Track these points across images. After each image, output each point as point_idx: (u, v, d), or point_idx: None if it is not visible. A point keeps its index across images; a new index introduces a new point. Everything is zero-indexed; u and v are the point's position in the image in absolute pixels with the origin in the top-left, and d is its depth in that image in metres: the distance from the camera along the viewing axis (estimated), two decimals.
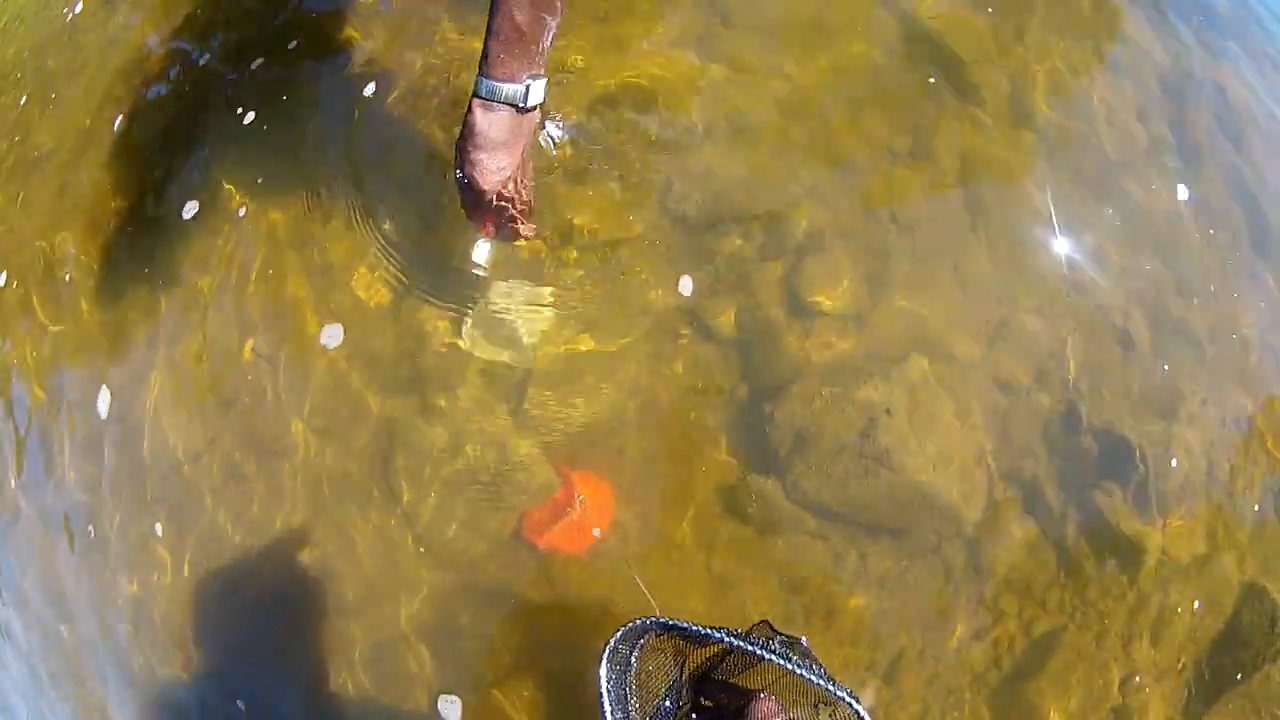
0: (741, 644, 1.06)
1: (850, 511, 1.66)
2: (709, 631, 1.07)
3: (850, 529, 1.67)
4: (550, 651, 1.65)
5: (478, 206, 1.46)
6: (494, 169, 1.38)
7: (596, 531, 1.63)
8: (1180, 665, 1.79)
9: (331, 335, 1.81)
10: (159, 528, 1.88)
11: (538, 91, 1.33)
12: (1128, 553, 1.75)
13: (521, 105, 1.32)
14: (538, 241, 1.75)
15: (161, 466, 1.90)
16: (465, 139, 1.36)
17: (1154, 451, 1.78)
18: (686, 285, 1.74)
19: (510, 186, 1.42)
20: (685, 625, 1.09)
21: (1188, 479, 1.81)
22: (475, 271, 1.76)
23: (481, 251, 1.73)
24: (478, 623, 1.66)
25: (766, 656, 1.05)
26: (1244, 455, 1.89)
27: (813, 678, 1.02)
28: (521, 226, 1.52)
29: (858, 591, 1.66)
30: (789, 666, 1.03)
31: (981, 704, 1.69)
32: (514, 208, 1.46)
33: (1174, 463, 1.79)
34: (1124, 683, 1.74)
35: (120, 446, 1.95)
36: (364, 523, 1.74)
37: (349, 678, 1.72)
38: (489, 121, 1.33)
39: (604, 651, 1.06)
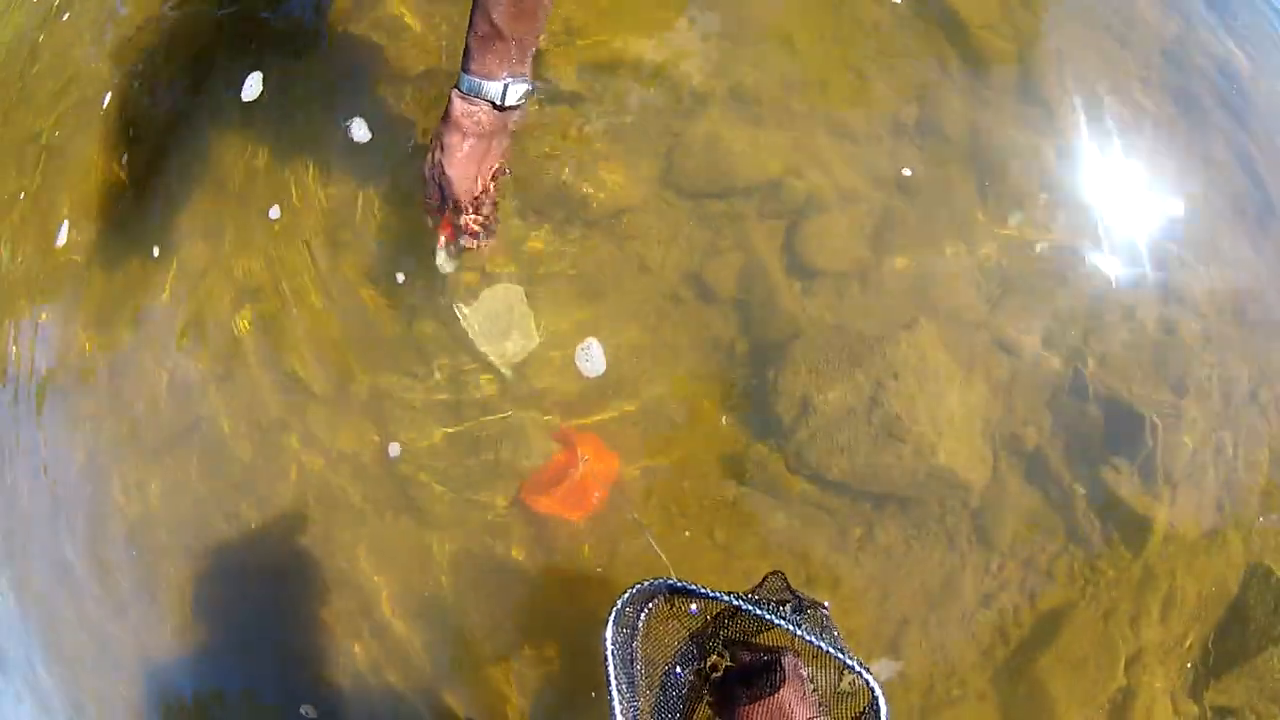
0: (753, 609, 1.03)
1: (855, 480, 1.64)
2: (719, 594, 1.04)
3: (855, 497, 1.65)
4: (553, 620, 1.62)
5: (440, 200, 1.43)
6: (464, 158, 1.36)
7: (597, 497, 1.61)
8: (1187, 644, 1.77)
9: (324, 305, 1.78)
10: (154, 508, 1.85)
11: (516, 92, 1.31)
12: (1134, 527, 1.72)
13: (498, 103, 1.31)
14: (536, 213, 1.72)
15: (154, 442, 1.87)
16: (441, 126, 1.35)
17: (1161, 424, 1.76)
18: (687, 250, 1.72)
19: (478, 184, 1.40)
20: (695, 587, 1.06)
21: (1195, 453, 1.79)
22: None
23: (439, 258, 1.64)
24: (479, 592, 1.64)
25: (778, 623, 1.02)
26: (1249, 430, 1.87)
27: (824, 645, 0.99)
28: (475, 231, 1.47)
29: (863, 562, 1.64)
30: (799, 633, 1.00)
31: (986, 679, 1.67)
32: (476, 209, 1.44)
33: (1181, 436, 1.77)
34: (1131, 661, 1.72)
35: (114, 421, 1.92)
36: (359, 495, 1.72)
37: (347, 651, 1.69)
38: (465, 112, 1.32)
39: (610, 614, 1.02)
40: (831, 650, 0.99)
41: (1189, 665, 1.76)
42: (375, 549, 1.70)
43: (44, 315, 2.09)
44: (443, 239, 1.49)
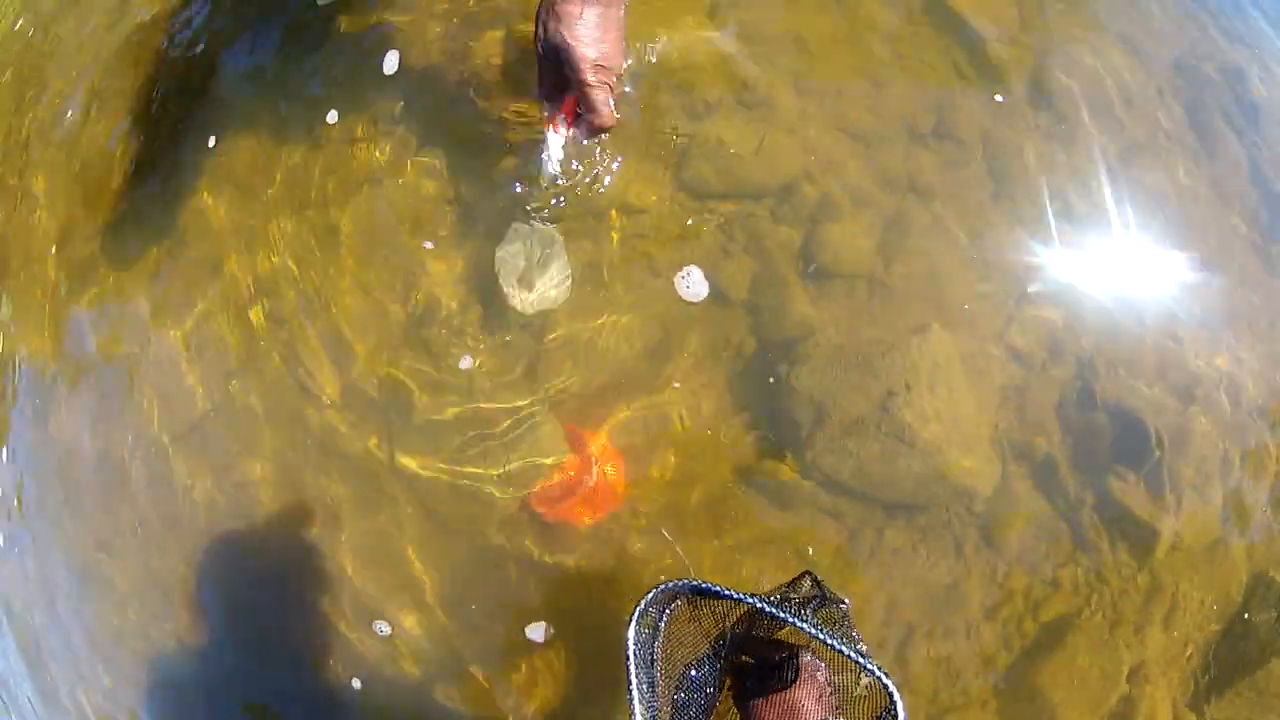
0: (775, 611, 1.03)
1: (865, 486, 1.64)
2: (743, 596, 1.04)
3: (864, 504, 1.65)
4: (566, 621, 1.62)
5: (554, 81, 1.24)
6: (586, 24, 1.16)
7: (609, 502, 1.60)
8: (1188, 654, 1.77)
9: (337, 293, 1.78)
10: (157, 501, 1.84)
11: None
12: (1140, 536, 1.72)
13: None
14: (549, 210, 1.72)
15: (164, 435, 1.86)
16: None
17: (1168, 434, 1.76)
18: (700, 253, 1.72)
19: (605, 52, 1.19)
20: (719, 589, 1.06)
21: (1201, 463, 1.79)
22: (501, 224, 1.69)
23: (549, 156, 1.42)
24: (488, 596, 1.64)
25: (799, 625, 1.02)
26: (1256, 441, 1.87)
27: (844, 648, 0.99)
28: (605, 109, 1.25)
29: (871, 568, 1.64)
30: (818, 635, 1.00)
31: (990, 686, 1.67)
32: (601, 80, 1.22)
33: (1187, 446, 1.77)
34: (1134, 671, 1.72)
35: (119, 414, 1.91)
36: (371, 493, 1.71)
37: (355, 653, 1.69)
38: None
39: (633, 614, 1.03)
40: (850, 653, 0.99)
41: (1192, 676, 1.76)
42: (385, 547, 1.69)
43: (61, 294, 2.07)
44: (559, 130, 1.29)
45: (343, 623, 1.69)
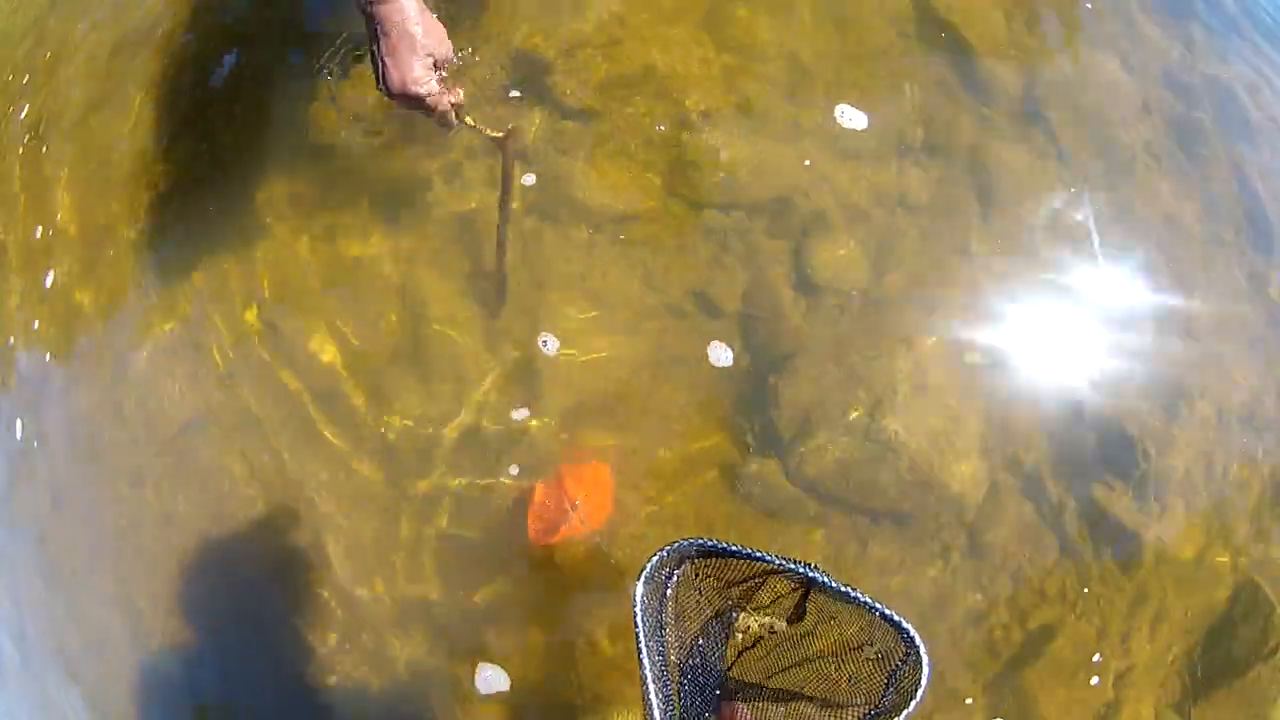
0: (784, 564, 1.02)
1: (852, 495, 1.66)
2: (750, 552, 1.01)
3: (851, 513, 1.67)
4: (547, 631, 1.63)
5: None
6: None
7: (599, 517, 1.62)
8: (1172, 659, 1.79)
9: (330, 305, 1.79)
10: (152, 501, 1.85)
11: None
12: (1126, 544, 1.74)
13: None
14: (546, 223, 1.73)
15: (157, 437, 1.87)
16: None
17: (1154, 444, 1.78)
18: (693, 264, 1.74)
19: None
20: (726, 546, 1.03)
21: (1187, 473, 1.81)
22: None
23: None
24: (475, 602, 1.65)
25: (810, 574, 1.01)
26: (1241, 451, 1.89)
27: (861, 596, 0.98)
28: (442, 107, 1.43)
29: (858, 577, 1.66)
30: (833, 584, 0.99)
31: (978, 691, 1.68)
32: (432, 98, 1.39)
33: (1173, 456, 1.79)
34: (1119, 677, 1.74)
35: (118, 416, 1.92)
36: (363, 502, 1.73)
37: (339, 658, 1.70)
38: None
39: (640, 574, 0.98)
40: (867, 601, 0.98)
41: (1176, 682, 1.78)
42: (370, 557, 1.71)
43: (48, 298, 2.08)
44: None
45: (332, 628, 1.70)
